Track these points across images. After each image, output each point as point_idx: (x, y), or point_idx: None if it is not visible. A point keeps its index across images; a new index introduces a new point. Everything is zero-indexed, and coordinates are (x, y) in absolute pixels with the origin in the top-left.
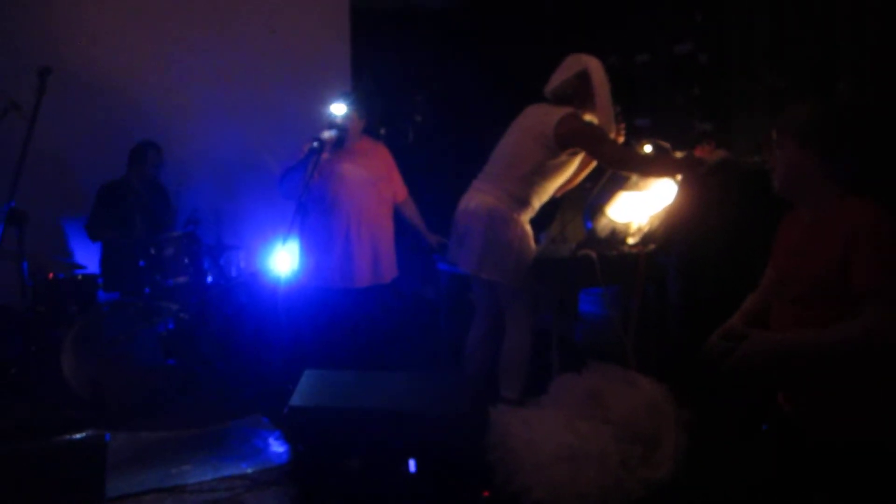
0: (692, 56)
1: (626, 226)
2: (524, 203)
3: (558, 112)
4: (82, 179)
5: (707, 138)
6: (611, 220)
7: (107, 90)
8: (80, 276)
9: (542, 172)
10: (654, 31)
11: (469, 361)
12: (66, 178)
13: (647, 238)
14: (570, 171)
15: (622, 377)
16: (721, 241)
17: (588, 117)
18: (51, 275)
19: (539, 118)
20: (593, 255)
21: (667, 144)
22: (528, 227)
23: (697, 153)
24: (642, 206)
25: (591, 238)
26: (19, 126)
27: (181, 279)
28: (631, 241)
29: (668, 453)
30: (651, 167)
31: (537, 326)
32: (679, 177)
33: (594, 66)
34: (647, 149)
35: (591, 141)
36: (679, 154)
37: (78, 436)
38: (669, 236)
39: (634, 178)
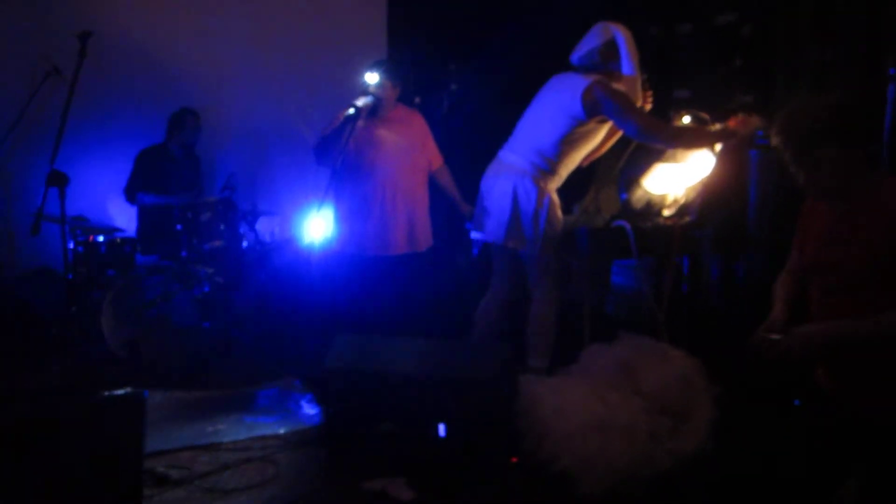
0: (735, 26)
1: (662, 197)
2: (551, 172)
3: (585, 80)
4: (121, 144)
5: (748, 111)
6: (646, 192)
7: (145, 56)
8: (118, 240)
9: (569, 141)
10: (697, 1)
11: (476, 327)
12: (106, 142)
13: (682, 210)
14: (597, 139)
15: (654, 349)
16: (758, 214)
17: (615, 85)
18: (90, 238)
19: (565, 86)
20: (627, 226)
21: (706, 116)
22: (555, 196)
23: (731, 124)
24: (679, 177)
25: (626, 209)
26: (60, 90)
27: (217, 243)
28: (666, 213)
29: (698, 426)
30: (679, 139)
31: (568, 297)
32: (717, 148)
33: (622, 34)
34: (686, 120)
35: (618, 110)
36: (716, 126)
37: (118, 392)
38: (706, 209)
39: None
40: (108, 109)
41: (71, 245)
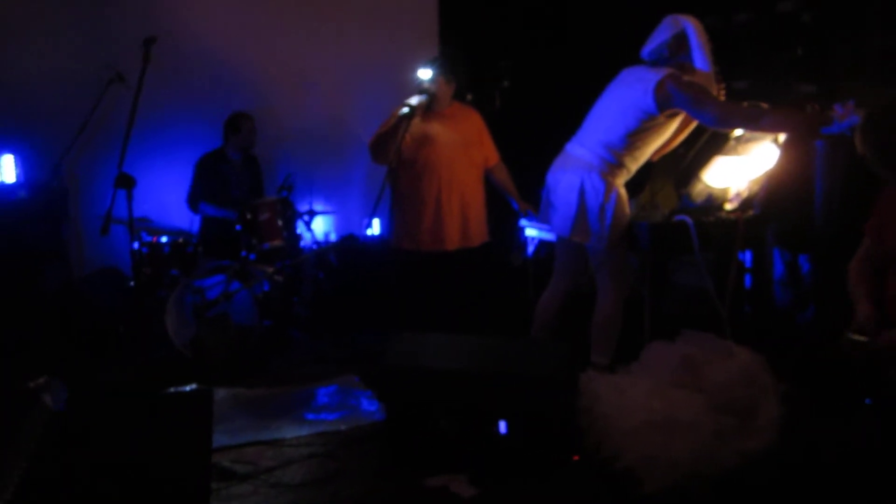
0: (795, 15)
1: (724, 191)
2: (619, 166)
3: (657, 73)
4: (181, 146)
5: (810, 102)
6: (707, 186)
7: (202, 60)
8: (181, 240)
9: (639, 135)
10: None
11: (536, 323)
12: (167, 145)
13: (746, 204)
14: (667, 134)
15: (717, 346)
16: (825, 207)
17: (687, 78)
18: (154, 239)
19: (636, 80)
20: (689, 220)
21: (766, 107)
22: (623, 191)
23: (833, 111)
24: (741, 170)
25: (686, 204)
26: (123, 96)
27: (276, 243)
28: (729, 206)
29: (764, 425)
30: (763, 122)
31: (628, 294)
32: (781, 139)
33: (693, 26)
34: None
35: (693, 101)
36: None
37: (186, 388)
38: (770, 202)
39: (732, 141)
40: (169, 113)
41: (136, 246)
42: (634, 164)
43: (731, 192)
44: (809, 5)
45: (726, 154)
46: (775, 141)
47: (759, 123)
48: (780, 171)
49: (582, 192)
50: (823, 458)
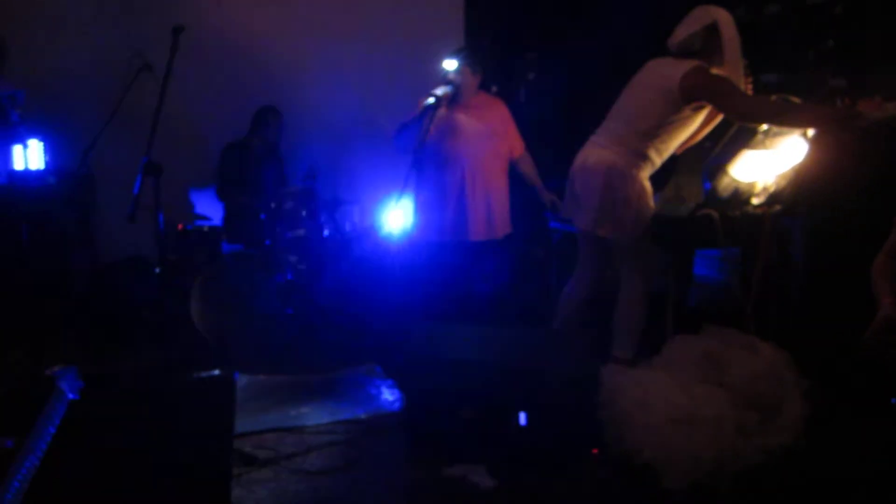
0: (827, 6)
1: (751, 185)
2: (644, 159)
3: (684, 65)
4: (208, 136)
5: (842, 95)
6: (734, 180)
7: (229, 49)
8: (205, 228)
9: (665, 127)
10: None
11: (558, 316)
12: (194, 133)
13: (773, 198)
14: (693, 126)
15: (741, 342)
16: (856, 202)
17: (715, 71)
18: (180, 226)
19: (663, 72)
20: (715, 214)
21: (797, 100)
22: (648, 184)
23: (861, 107)
24: (769, 164)
25: (711, 198)
26: (151, 85)
27: (300, 232)
28: (755, 201)
29: (788, 422)
30: (790, 116)
31: (651, 288)
32: (810, 133)
33: (724, 19)
34: None
35: (720, 94)
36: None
37: (209, 374)
38: (798, 196)
39: (760, 135)
40: (195, 102)
41: (161, 233)
42: (659, 157)
43: (759, 187)
44: None
45: (754, 148)
46: (804, 135)
47: (785, 119)
48: (808, 165)
49: (606, 186)
50: (848, 456)
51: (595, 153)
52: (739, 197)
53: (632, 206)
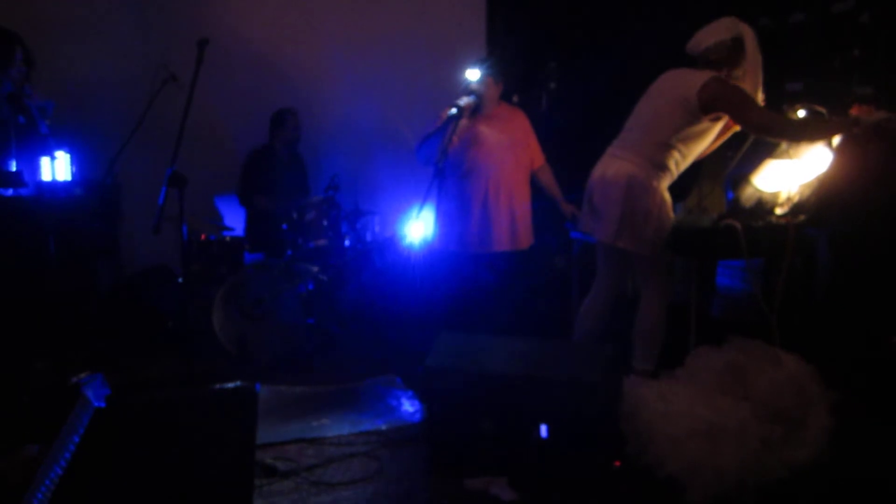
0: (852, 15)
1: (774, 195)
2: (664, 169)
3: (702, 76)
4: (231, 147)
5: (868, 104)
6: (757, 190)
7: (252, 60)
8: (228, 238)
9: (683, 138)
10: None
11: (578, 328)
12: (217, 144)
13: (797, 208)
14: (710, 137)
15: (765, 354)
16: (882, 212)
17: (733, 83)
18: (203, 236)
19: (681, 82)
20: (738, 225)
21: (822, 110)
22: (668, 195)
23: (854, 112)
24: (793, 174)
25: (735, 208)
26: (175, 96)
27: (321, 242)
28: (779, 211)
29: (813, 435)
30: (802, 132)
31: (673, 299)
32: (835, 142)
33: (749, 34)
34: (801, 114)
35: (738, 105)
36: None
37: (232, 385)
38: (823, 207)
39: (784, 145)
40: (218, 112)
41: (185, 243)
42: (678, 168)
43: (782, 197)
44: (867, 5)
45: (778, 157)
46: (829, 144)
47: (801, 135)
48: (833, 174)
49: (627, 197)
50: (875, 469)
51: (614, 164)
52: (763, 207)
53: (652, 218)
